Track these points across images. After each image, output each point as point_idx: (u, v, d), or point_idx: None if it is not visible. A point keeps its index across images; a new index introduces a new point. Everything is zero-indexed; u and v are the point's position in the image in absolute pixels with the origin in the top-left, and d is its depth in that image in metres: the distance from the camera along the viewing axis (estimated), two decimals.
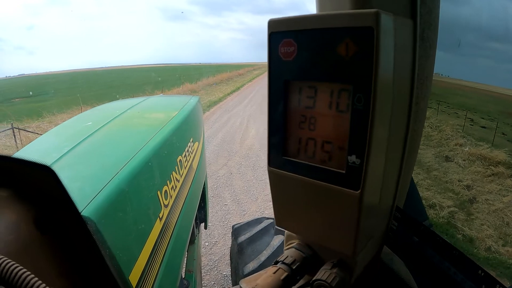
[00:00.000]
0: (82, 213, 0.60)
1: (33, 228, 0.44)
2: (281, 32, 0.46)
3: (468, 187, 4.59)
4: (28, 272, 0.32)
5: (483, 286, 0.45)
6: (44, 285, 0.32)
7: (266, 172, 0.54)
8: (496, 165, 5.00)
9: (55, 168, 0.42)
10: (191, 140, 1.62)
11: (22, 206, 0.44)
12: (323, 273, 0.53)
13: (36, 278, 0.32)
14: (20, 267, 0.32)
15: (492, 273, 0.45)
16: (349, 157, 0.42)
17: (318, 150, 0.46)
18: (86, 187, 0.74)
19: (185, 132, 1.55)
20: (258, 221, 2.53)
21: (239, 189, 4.82)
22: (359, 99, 0.39)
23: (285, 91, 0.48)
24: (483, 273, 0.46)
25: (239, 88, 20.95)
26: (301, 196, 0.51)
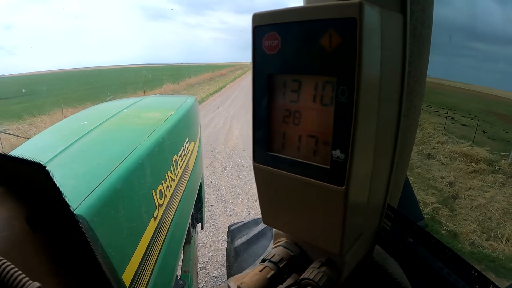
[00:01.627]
0: (75, 211, 0.59)
1: (26, 226, 0.43)
2: (265, 26, 0.45)
3: (450, 183, 4.70)
4: (16, 269, 0.31)
5: (477, 286, 0.45)
6: (31, 282, 0.31)
7: (251, 172, 0.52)
8: (477, 162, 5.16)
9: (49, 166, 0.40)
10: (187, 140, 1.60)
11: (15, 203, 0.43)
12: (311, 272, 0.51)
13: (24, 275, 0.31)
14: (8, 263, 0.31)
15: (478, 267, 0.45)
16: (333, 152, 0.41)
17: (303, 144, 0.45)
18: (79, 185, 0.73)
19: (181, 132, 1.53)
20: (255, 222, 2.45)
21: (224, 190, 4.77)
22: (342, 91, 0.38)
23: (269, 85, 0.47)
24: (476, 273, 0.45)
25: (221, 88, 20.70)
26: (286, 192, 0.50)
